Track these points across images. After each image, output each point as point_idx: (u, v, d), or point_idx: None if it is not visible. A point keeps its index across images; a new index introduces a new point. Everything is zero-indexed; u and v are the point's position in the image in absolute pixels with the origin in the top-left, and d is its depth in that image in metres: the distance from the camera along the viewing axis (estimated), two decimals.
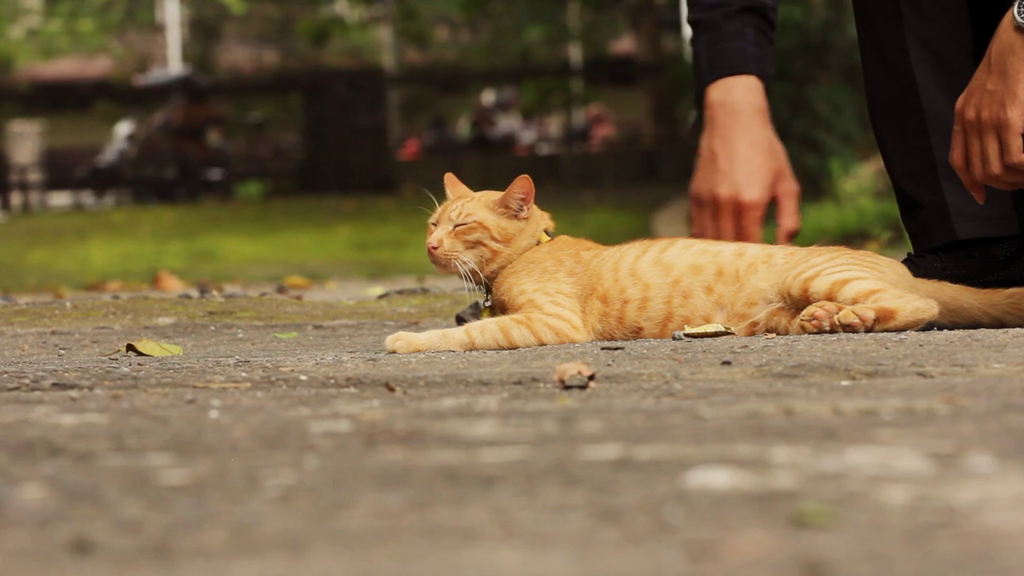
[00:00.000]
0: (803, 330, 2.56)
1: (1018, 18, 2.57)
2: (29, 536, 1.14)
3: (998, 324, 2.67)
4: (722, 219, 3.01)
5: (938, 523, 1.12)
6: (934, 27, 2.93)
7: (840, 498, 1.22)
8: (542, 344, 2.63)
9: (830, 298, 2.57)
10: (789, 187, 3.06)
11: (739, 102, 3.01)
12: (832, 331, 2.54)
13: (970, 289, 2.71)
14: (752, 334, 2.62)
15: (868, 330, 2.53)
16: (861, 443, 1.47)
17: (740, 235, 2.99)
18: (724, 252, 2.68)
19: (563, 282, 2.70)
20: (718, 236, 2.98)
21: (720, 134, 3.02)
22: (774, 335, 2.59)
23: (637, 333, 2.67)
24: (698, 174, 3.05)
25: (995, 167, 2.60)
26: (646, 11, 21.41)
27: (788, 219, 3.05)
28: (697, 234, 3.01)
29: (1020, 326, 2.65)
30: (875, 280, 2.59)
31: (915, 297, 2.58)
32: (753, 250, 2.69)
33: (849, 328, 2.53)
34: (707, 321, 2.64)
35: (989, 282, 2.85)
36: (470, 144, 24.50)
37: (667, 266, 2.68)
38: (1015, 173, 2.60)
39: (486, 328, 2.65)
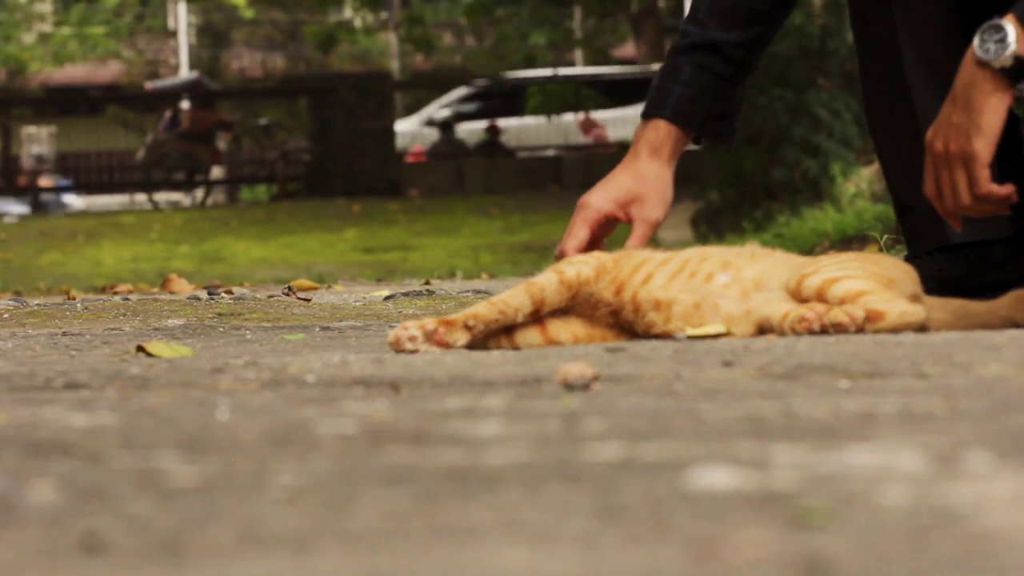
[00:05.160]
0: (793, 331, 2.57)
1: (978, 52, 2.59)
2: (40, 534, 1.15)
3: (1012, 325, 2.68)
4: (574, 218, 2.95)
5: (936, 523, 1.13)
6: (927, 31, 2.95)
7: (840, 498, 1.23)
8: (562, 274, 2.65)
9: (820, 293, 2.59)
10: (645, 213, 2.92)
11: (640, 140, 2.98)
12: (823, 332, 2.55)
13: (973, 301, 2.72)
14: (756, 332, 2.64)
15: (858, 329, 2.54)
16: (860, 443, 1.48)
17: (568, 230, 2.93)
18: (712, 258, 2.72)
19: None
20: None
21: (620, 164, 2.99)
22: (774, 337, 2.60)
23: (636, 304, 2.68)
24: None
25: (965, 198, 2.63)
26: (648, 17, 21.41)
27: (632, 241, 2.89)
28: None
29: None
30: (866, 281, 2.60)
31: (903, 301, 2.59)
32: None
33: (839, 327, 2.54)
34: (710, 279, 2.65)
35: (985, 283, 2.87)
36: (480, 148, 24.43)
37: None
38: (985, 202, 2.62)
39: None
